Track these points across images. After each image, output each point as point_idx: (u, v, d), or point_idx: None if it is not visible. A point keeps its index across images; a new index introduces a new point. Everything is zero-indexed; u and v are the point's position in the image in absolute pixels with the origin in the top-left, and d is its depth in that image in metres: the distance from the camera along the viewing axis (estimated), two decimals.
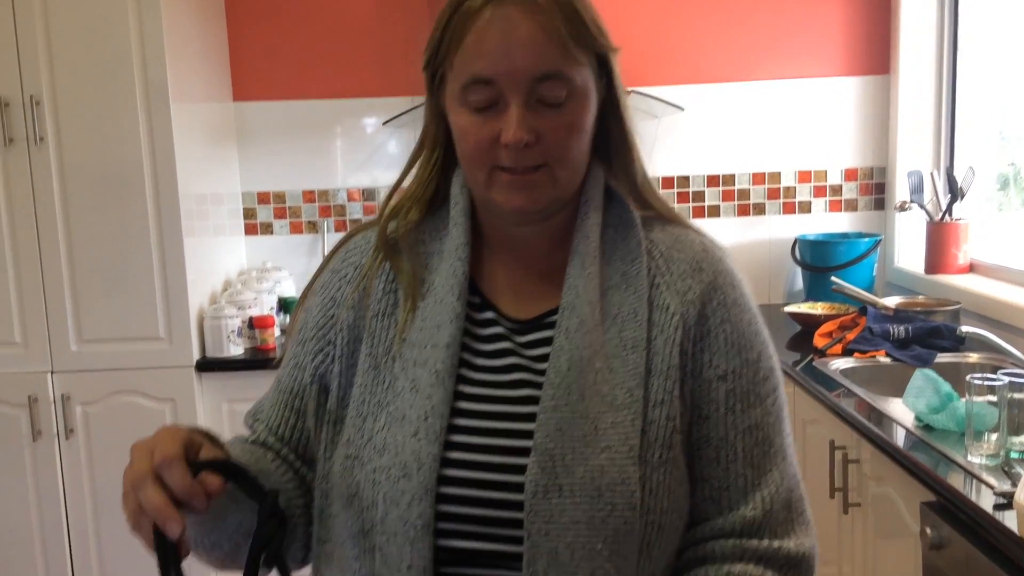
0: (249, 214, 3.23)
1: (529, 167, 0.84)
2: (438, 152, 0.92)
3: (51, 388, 2.70)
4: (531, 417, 0.81)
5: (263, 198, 3.22)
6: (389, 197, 0.95)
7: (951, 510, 1.52)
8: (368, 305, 0.90)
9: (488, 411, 0.84)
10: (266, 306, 2.95)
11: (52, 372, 2.70)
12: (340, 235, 3.34)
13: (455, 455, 0.82)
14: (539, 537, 0.77)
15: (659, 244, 0.90)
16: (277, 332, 2.93)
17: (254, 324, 2.86)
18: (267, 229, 3.24)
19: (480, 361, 0.87)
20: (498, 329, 0.88)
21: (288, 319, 3.01)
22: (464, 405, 0.84)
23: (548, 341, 0.85)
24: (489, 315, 0.89)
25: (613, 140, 0.91)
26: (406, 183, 0.95)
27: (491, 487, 0.80)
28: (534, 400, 0.82)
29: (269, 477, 0.87)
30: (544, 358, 0.84)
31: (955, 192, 2.71)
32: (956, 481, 1.54)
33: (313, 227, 3.24)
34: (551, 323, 0.86)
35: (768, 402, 0.87)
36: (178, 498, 0.71)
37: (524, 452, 0.80)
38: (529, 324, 0.89)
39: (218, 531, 0.84)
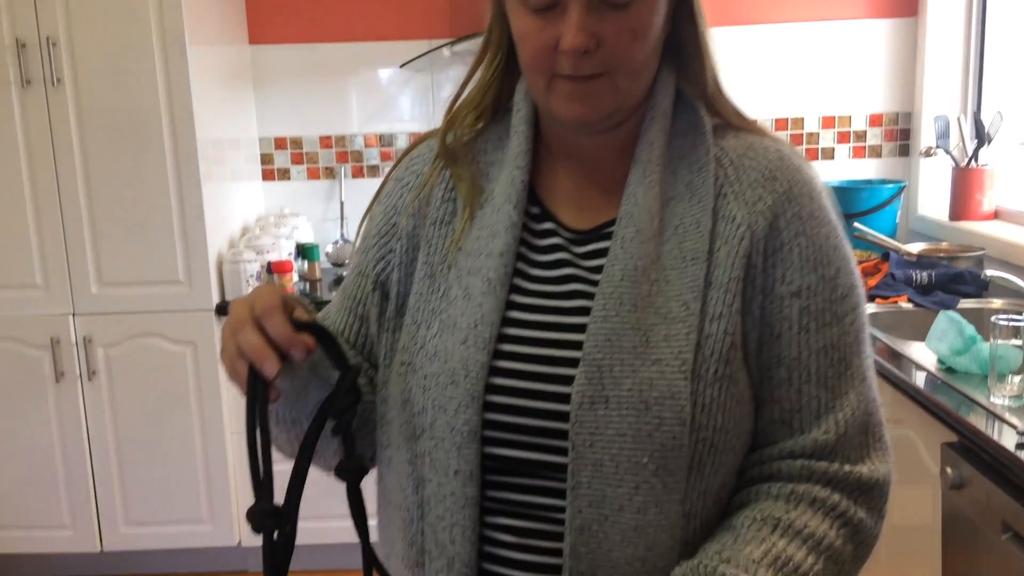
0: (266, 159, 3.22)
1: (589, 75, 0.80)
2: (500, 56, 0.89)
3: (73, 330, 2.73)
4: (582, 328, 0.80)
5: (280, 143, 3.20)
6: (452, 104, 0.92)
7: (973, 450, 1.52)
8: (427, 213, 0.89)
9: (539, 321, 0.83)
10: (284, 251, 2.95)
11: (74, 315, 2.72)
12: (357, 182, 3.34)
13: (503, 364, 0.81)
14: (584, 448, 0.76)
15: (729, 152, 0.86)
16: (295, 278, 2.93)
17: (272, 269, 2.86)
18: (284, 175, 3.23)
19: (535, 271, 0.85)
20: (556, 240, 0.87)
21: (306, 265, 3.02)
22: (516, 315, 0.83)
23: (606, 252, 0.83)
24: (548, 225, 0.88)
25: (685, 43, 0.87)
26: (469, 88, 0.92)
27: (538, 397, 0.80)
28: (587, 311, 0.81)
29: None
30: (601, 269, 0.83)
31: (982, 137, 2.66)
32: (978, 422, 1.53)
33: (330, 173, 3.22)
34: (610, 234, 0.84)
35: (846, 321, 0.82)
36: (277, 346, 0.73)
37: (573, 363, 0.79)
38: (588, 235, 0.87)
39: (299, 406, 0.84)
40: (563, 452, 0.78)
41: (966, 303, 2.24)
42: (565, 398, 0.78)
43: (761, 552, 0.76)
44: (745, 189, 0.83)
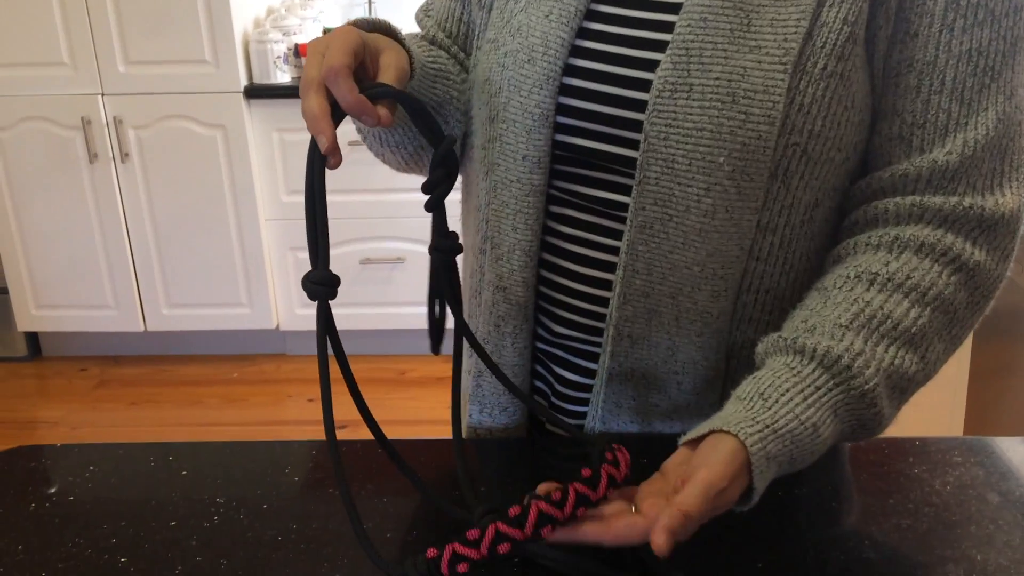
0: None
1: None
2: None
3: (103, 110, 2.71)
4: (680, 9, 0.72)
5: None
6: None
7: None
8: None
9: None
10: (311, 34, 2.86)
11: (103, 95, 2.70)
12: None
13: (587, 44, 0.75)
14: (657, 141, 0.71)
15: None
16: None
17: (300, 52, 2.79)
18: None
19: None
20: None
21: None
22: None
23: None
24: None
25: None
26: None
27: (618, 82, 0.73)
28: None
29: (447, 79, 0.82)
30: None
31: None
32: None
33: None
34: None
35: (1004, 23, 0.69)
36: (344, 111, 0.65)
37: (663, 47, 0.72)
38: None
39: (401, 131, 0.82)
40: (636, 145, 0.73)
41: None
42: (647, 85, 0.72)
43: (851, 314, 0.67)
44: None
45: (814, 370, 0.65)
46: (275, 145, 2.77)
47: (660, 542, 0.54)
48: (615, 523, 0.58)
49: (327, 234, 0.64)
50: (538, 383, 0.88)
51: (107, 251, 2.86)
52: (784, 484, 0.75)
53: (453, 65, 0.85)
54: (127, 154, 2.74)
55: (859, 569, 0.64)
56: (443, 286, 0.74)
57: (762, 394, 0.64)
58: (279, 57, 2.72)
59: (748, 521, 0.70)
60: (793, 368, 0.65)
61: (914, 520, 0.70)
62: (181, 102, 2.69)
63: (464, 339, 0.76)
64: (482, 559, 0.57)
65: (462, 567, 0.57)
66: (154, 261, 2.88)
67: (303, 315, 2.96)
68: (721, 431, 0.61)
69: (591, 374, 0.83)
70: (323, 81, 0.64)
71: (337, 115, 0.64)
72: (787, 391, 0.63)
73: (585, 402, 0.84)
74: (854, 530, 0.69)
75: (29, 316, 2.97)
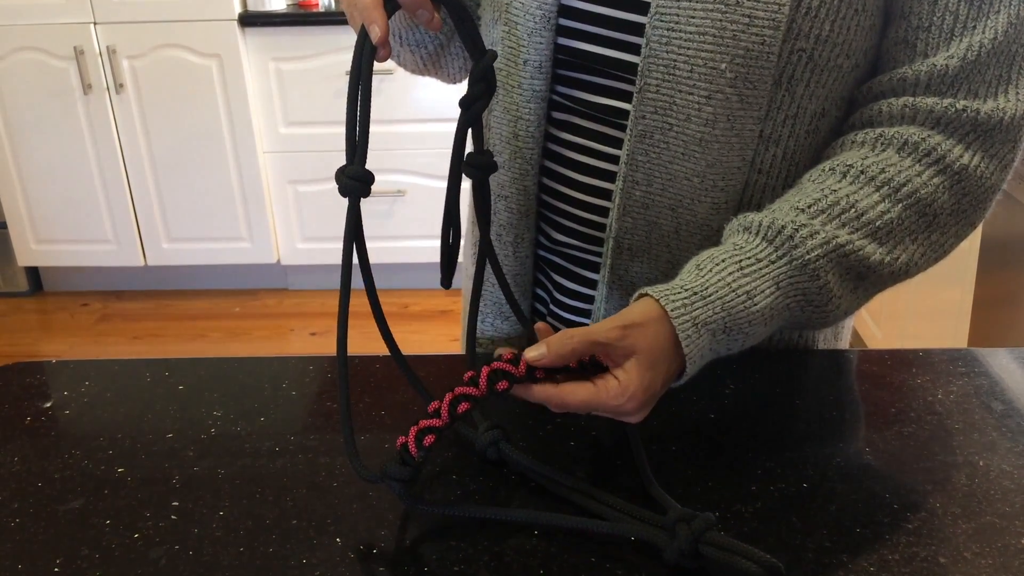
0: None
1: None
2: None
3: (96, 40, 2.66)
4: None
5: None
6: None
7: None
8: None
9: None
10: None
11: (95, 24, 2.64)
12: None
13: None
14: (658, 46, 0.69)
15: None
16: None
17: None
18: None
19: None
20: None
21: None
22: None
23: None
24: None
25: None
26: None
27: None
28: None
29: None
30: None
31: None
32: None
33: None
34: None
35: None
36: (400, 3, 0.64)
37: None
38: None
39: (422, 31, 0.80)
40: (638, 50, 0.71)
41: None
42: None
43: (812, 199, 0.66)
44: None
45: (758, 244, 0.64)
46: (272, 75, 2.72)
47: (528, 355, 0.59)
48: (563, 387, 0.59)
49: (367, 129, 0.63)
50: (538, 290, 0.87)
51: (105, 184, 2.84)
52: (785, 393, 0.75)
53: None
54: (122, 85, 2.70)
55: (860, 473, 0.64)
56: (476, 204, 0.72)
57: (698, 265, 0.64)
58: None
59: (750, 428, 0.70)
60: (738, 244, 0.65)
61: (916, 427, 0.69)
62: (175, 30, 2.64)
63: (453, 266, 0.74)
64: (445, 425, 0.59)
65: (428, 439, 0.58)
66: (152, 195, 2.85)
67: (304, 249, 2.95)
68: (647, 296, 0.62)
69: (590, 284, 0.82)
70: None
71: (388, 7, 0.63)
72: (722, 261, 0.63)
73: (584, 313, 0.83)
74: (855, 437, 0.69)
75: (29, 251, 2.96)
